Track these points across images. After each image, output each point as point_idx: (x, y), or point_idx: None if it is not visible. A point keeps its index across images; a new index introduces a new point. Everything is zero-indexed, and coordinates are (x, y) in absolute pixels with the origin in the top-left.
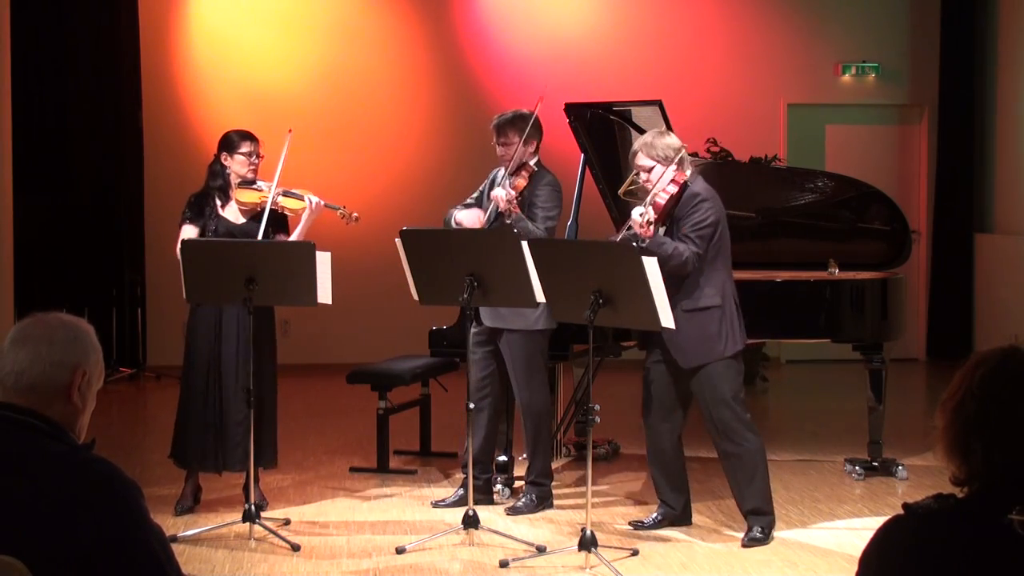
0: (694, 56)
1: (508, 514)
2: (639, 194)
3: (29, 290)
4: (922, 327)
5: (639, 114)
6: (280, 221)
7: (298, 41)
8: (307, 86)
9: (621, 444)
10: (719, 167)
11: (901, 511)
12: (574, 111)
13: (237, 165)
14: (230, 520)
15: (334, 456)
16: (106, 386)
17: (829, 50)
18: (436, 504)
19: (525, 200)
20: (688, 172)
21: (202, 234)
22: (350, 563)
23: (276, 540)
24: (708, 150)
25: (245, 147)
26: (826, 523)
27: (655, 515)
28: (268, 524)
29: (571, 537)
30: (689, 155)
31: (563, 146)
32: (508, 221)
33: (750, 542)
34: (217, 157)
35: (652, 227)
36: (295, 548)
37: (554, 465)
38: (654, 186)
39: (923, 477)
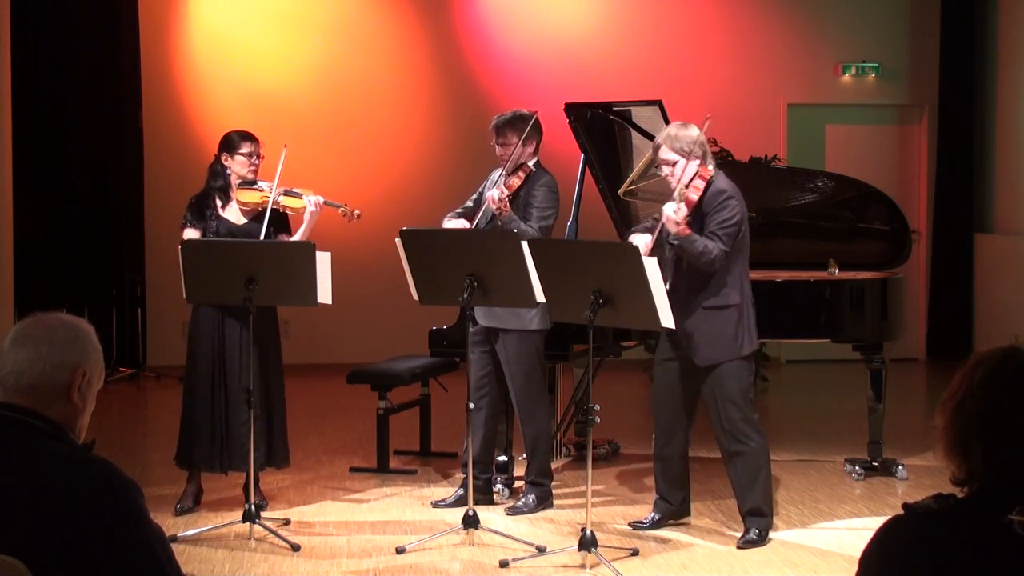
0: (694, 56)
1: (508, 514)
2: (640, 194)
3: (29, 290)
4: (922, 327)
5: (639, 114)
6: (282, 221)
7: (298, 41)
8: (307, 86)
9: (621, 444)
10: (719, 167)
11: (901, 511)
12: (574, 111)
13: (237, 166)
14: (230, 520)
15: (334, 456)
16: (106, 386)
17: (829, 50)
18: (436, 504)
19: (521, 200)
20: (711, 167)
21: (204, 236)
22: (350, 563)
23: (276, 540)
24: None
25: (245, 147)
26: (826, 523)
27: (653, 515)
28: (268, 524)
29: (571, 537)
30: None
31: (563, 146)
32: (500, 222)
33: (745, 544)
34: (217, 158)
35: (686, 222)
36: (295, 548)
37: (554, 465)
38: (677, 181)
39: (923, 477)
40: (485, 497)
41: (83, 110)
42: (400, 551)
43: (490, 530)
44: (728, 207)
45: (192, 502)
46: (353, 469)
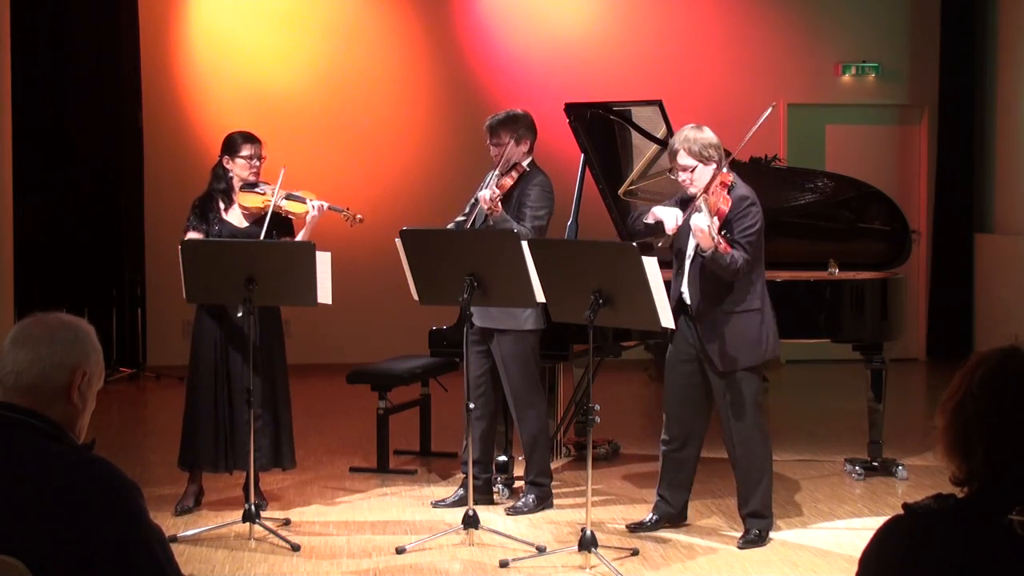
0: (694, 56)
1: (508, 514)
2: (640, 194)
3: (29, 290)
4: (922, 327)
5: (639, 114)
6: (284, 224)
7: (298, 41)
8: (307, 86)
9: (621, 444)
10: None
11: (901, 511)
12: (574, 111)
13: (238, 168)
14: (230, 520)
15: (334, 456)
16: (106, 386)
17: (829, 50)
18: (436, 504)
19: (515, 200)
20: (725, 170)
21: (206, 238)
22: (350, 563)
23: (276, 540)
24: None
25: (246, 150)
26: (826, 523)
27: (652, 516)
28: (268, 524)
29: (571, 537)
30: None
31: (563, 146)
32: (491, 222)
33: (745, 544)
34: (220, 160)
35: (724, 237)
36: (295, 548)
37: (554, 465)
38: (701, 190)
39: (923, 477)
40: (485, 497)
41: (83, 110)
42: (400, 551)
43: (490, 530)
44: (750, 214)
45: (193, 502)
46: (353, 469)
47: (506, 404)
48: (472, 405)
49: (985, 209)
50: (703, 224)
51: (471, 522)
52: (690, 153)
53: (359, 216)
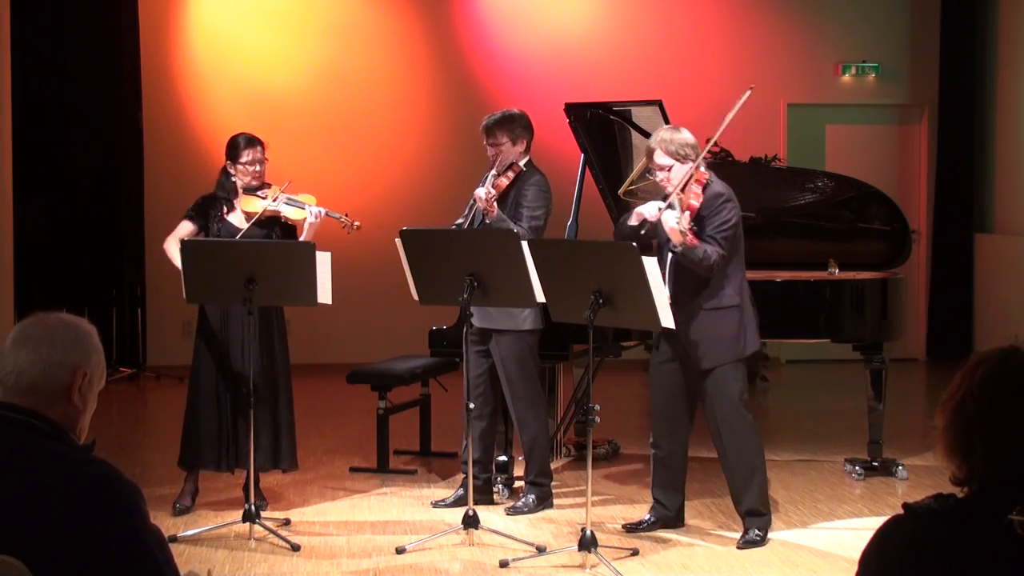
0: (694, 56)
1: (508, 514)
2: (640, 194)
3: (29, 290)
4: (922, 327)
5: (639, 114)
6: (286, 229)
7: (298, 41)
8: (307, 86)
9: (621, 444)
10: (719, 167)
11: (901, 511)
12: (574, 111)
13: (240, 174)
14: (230, 520)
15: (334, 456)
16: (106, 386)
17: (829, 50)
18: (436, 504)
19: (511, 200)
20: (703, 168)
21: (201, 234)
22: (350, 563)
23: (276, 540)
24: (708, 150)
25: (246, 156)
26: (826, 523)
27: (648, 517)
28: (268, 524)
29: (571, 537)
30: None
31: (563, 146)
32: (488, 221)
33: (745, 544)
34: (224, 164)
35: (693, 233)
36: (295, 548)
37: (554, 465)
38: (672, 185)
39: (923, 477)
40: (485, 497)
41: (83, 110)
42: (400, 551)
43: (490, 530)
44: (725, 210)
45: (190, 501)
46: (353, 469)
47: (506, 404)
48: (472, 405)
49: (985, 209)
50: (672, 220)
51: (471, 522)
52: (667, 152)
53: (356, 223)
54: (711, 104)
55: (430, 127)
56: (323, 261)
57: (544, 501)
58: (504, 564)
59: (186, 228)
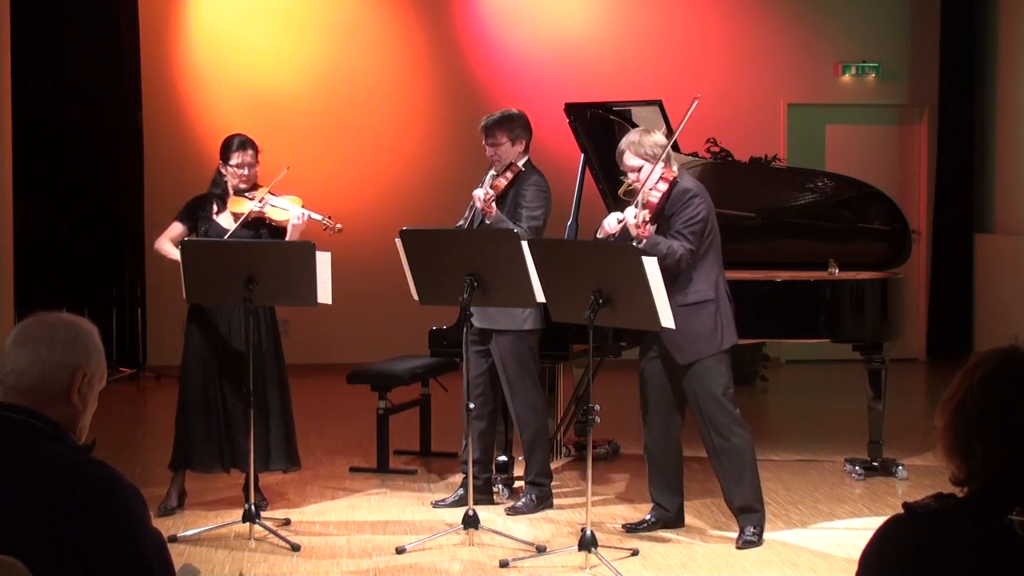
0: (694, 56)
1: (508, 514)
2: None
3: (29, 290)
4: (922, 327)
5: (639, 114)
6: (273, 231)
7: (298, 41)
8: (307, 86)
9: (621, 444)
10: (719, 167)
11: (901, 511)
12: (574, 111)
13: (230, 175)
14: (230, 520)
15: (334, 456)
16: (106, 386)
17: (829, 50)
18: (436, 504)
19: (510, 200)
20: (675, 168)
21: (191, 233)
22: (350, 563)
23: (276, 540)
24: (708, 150)
25: (235, 159)
26: (826, 523)
27: (649, 517)
28: (268, 524)
29: (571, 537)
30: (689, 155)
31: (563, 146)
32: (488, 222)
33: (744, 544)
34: (218, 165)
35: (648, 227)
36: (295, 548)
37: (554, 465)
38: (643, 185)
39: (923, 477)
40: (485, 497)
41: (83, 110)
42: (400, 551)
43: (490, 530)
44: (692, 205)
45: (176, 501)
46: (353, 469)
47: (506, 404)
48: (472, 405)
49: (985, 209)
50: (629, 215)
51: (471, 522)
52: (636, 154)
53: (339, 226)
54: (711, 104)
55: (430, 127)
56: (323, 261)
57: (544, 501)
58: (504, 564)
59: (176, 229)
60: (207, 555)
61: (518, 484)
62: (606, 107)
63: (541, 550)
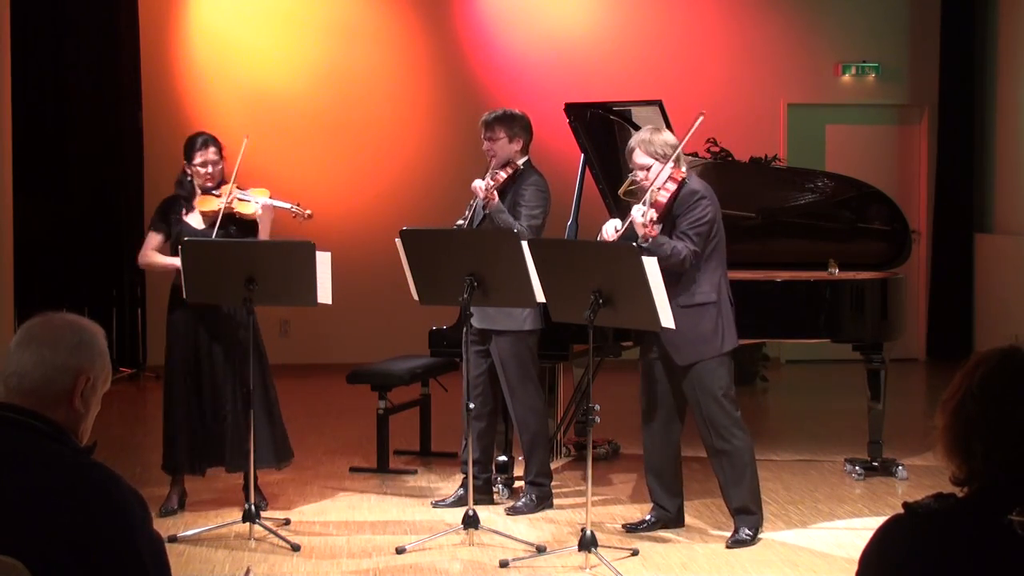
0: (694, 56)
1: (508, 514)
2: (639, 193)
3: (29, 290)
4: (922, 327)
5: (639, 114)
6: (243, 226)
7: (298, 41)
8: (307, 86)
9: (621, 444)
10: (719, 167)
11: (901, 511)
12: (574, 111)
13: (194, 174)
14: (230, 520)
15: (334, 456)
16: None
17: (829, 50)
18: (436, 504)
19: (509, 199)
20: (684, 169)
21: (167, 239)
22: (350, 563)
23: (276, 540)
24: (708, 150)
25: (198, 158)
26: (826, 523)
27: (649, 517)
28: (268, 524)
29: (571, 537)
30: (689, 155)
31: (563, 146)
32: (487, 212)
33: (735, 543)
34: (183, 165)
35: (654, 226)
36: (295, 548)
37: (554, 465)
38: (651, 184)
39: (923, 477)
40: (485, 497)
41: (83, 110)
42: (400, 551)
43: (490, 530)
44: (699, 206)
45: (177, 504)
46: (353, 469)
47: (506, 404)
48: (472, 405)
49: (985, 209)
50: (636, 214)
51: (471, 522)
52: (646, 152)
53: (308, 212)
54: (711, 104)
55: (430, 127)
56: (323, 261)
57: (544, 501)
58: (504, 564)
59: (155, 240)
60: (207, 555)
61: (518, 484)
62: (606, 107)
63: (541, 550)
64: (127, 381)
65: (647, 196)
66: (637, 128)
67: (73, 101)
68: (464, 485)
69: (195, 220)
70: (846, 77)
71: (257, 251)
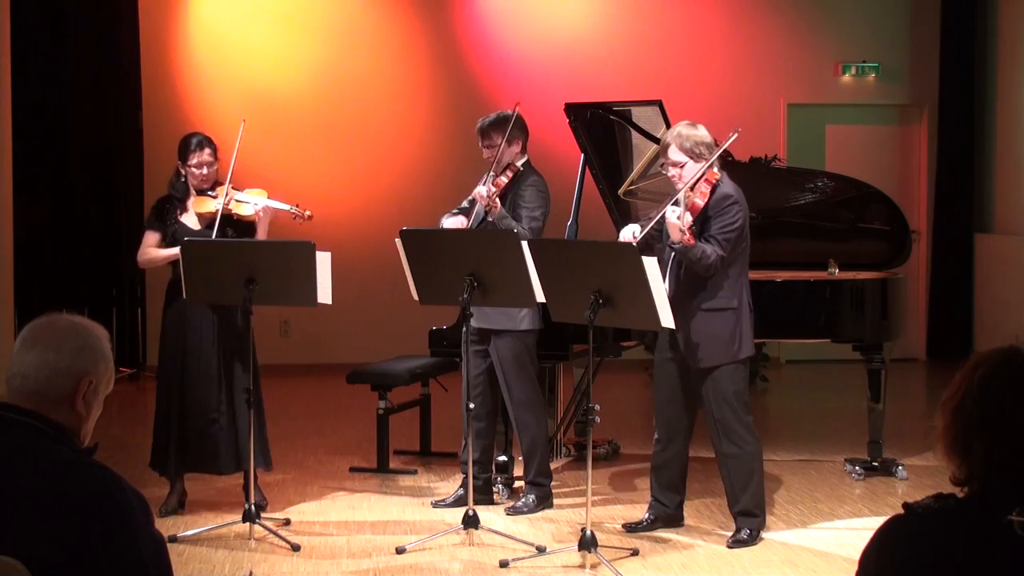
0: (694, 56)
1: (508, 514)
2: (640, 194)
3: (29, 290)
4: (922, 327)
5: (639, 114)
6: (240, 227)
7: (298, 41)
8: (307, 86)
9: (621, 444)
10: (719, 167)
11: (901, 511)
12: (574, 111)
13: (188, 175)
14: (230, 520)
15: (334, 456)
16: None
17: (829, 50)
18: (436, 504)
19: (509, 200)
20: (716, 169)
21: (163, 239)
22: (350, 563)
23: (276, 540)
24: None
25: (193, 159)
26: (826, 523)
27: (648, 515)
28: (268, 524)
29: (571, 537)
30: None
31: (563, 146)
32: (490, 219)
33: (735, 543)
34: (177, 165)
35: (692, 232)
36: (295, 548)
37: (554, 465)
38: (683, 183)
39: (923, 477)
40: (485, 497)
41: (83, 110)
42: (400, 551)
43: (490, 530)
44: (731, 212)
45: (177, 503)
46: (353, 469)
47: (505, 404)
48: (471, 405)
49: (985, 209)
50: (673, 217)
51: (471, 522)
52: (681, 149)
53: (308, 212)
54: (711, 104)
55: (430, 127)
56: (323, 261)
57: (544, 501)
58: (504, 564)
59: (153, 238)
60: (207, 555)
61: (518, 484)
62: (606, 107)
63: (541, 550)
64: (127, 381)
65: (680, 197)
66: (637, 128)
67: (73, 101)
68: (464, 485)
69: (191, 221)
70: (846, 77)
71: (257, 251)
